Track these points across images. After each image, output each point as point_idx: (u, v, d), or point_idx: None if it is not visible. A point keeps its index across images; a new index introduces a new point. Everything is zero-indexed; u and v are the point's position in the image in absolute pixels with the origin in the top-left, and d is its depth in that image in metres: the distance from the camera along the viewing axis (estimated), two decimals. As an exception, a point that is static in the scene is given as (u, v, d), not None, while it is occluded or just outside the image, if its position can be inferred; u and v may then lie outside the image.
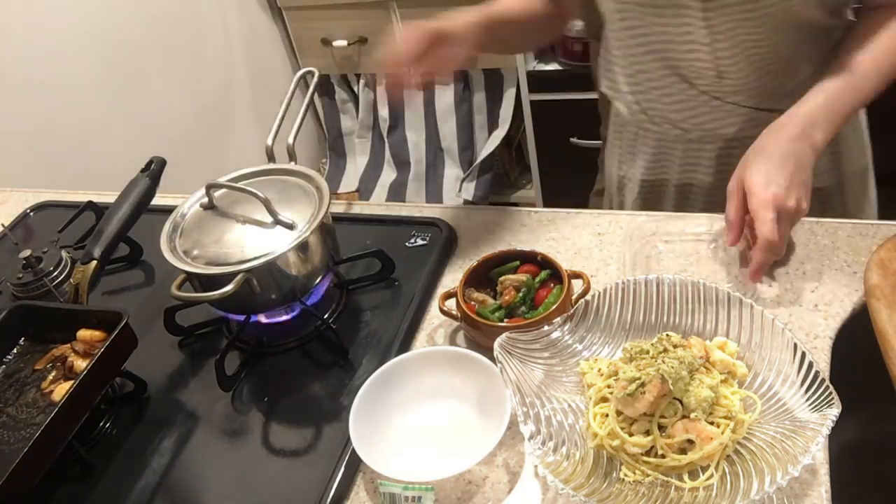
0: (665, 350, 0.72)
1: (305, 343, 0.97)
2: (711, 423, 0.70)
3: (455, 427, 0.82)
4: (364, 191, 2.73)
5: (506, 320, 0.87)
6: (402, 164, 2.69)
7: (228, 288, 0.85)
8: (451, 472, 0.74)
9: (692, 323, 0.80)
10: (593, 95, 1.23)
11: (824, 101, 0.88)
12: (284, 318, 0.98)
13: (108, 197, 1.12)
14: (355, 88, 2.67)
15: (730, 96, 1.02)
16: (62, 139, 1.84)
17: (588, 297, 0.82)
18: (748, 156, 0.87)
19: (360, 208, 1.19)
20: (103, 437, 0.90)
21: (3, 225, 1.28)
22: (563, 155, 2.23)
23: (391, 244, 1.05)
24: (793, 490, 0.69)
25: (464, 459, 0.74)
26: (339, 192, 2.78)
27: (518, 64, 2.22)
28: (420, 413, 0.83)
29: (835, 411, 0.66)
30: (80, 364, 0.89)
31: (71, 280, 0.97)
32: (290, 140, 1.04)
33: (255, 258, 0.88)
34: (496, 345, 0.76)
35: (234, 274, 0.87)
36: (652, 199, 1.18)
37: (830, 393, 0.68)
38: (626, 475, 0.70)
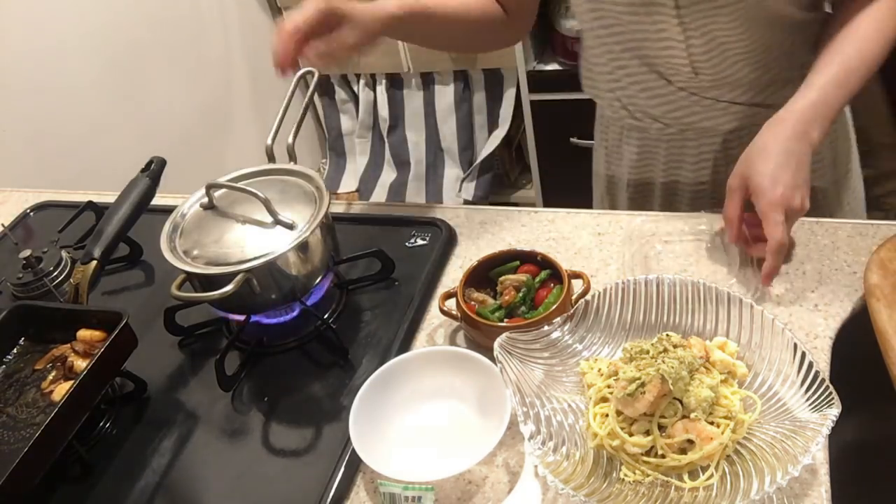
0: (665, 350, 0.72)
1: (305, 343, 0.97)
2: (711, 423, 0.70)
3: (455, 427, 0.82)
4: (364, 191, 2.73)
5: (506, 320, 0.87)
6: (402, 164, 2.69)
7: (228, 288, 0.85)
8: (451, 472, 0.74)
9: (692, 323, 0.80)
10: (593, 96, 1.23)
11: (818, 97, 0.88)
12: (284, 318, 0.98)
13: (108, 197, 1.12)
14: (355, 88, 2.67)
15: (707, 91, 1.02)
16: (62, 139, 1.84)
17: (588, 297, 0.82)
18: (750, 154, 0.87)
19: (360, 208, 1.19)
20: (103, 437, 0.90)
21: (3, 225, 1.28)
22: (563, 155, 2.22)
23: (391, 244, 1.05)
24: (793, 490, 0.69)
25: (464, 459, 0.74)
26: (339, 192, 2.78)
27: (518, 64, 2.22)
28: (420, 413, 0.83)
29: (835, 411, 0.66)
30: (80, 364, 0.89)
31: (71, 280, 0.97)
32: (290, 140, 1.04)
33: (255, 258, 0.88)
34: (496, 345, 0.76)
35: (234, 274, 0.87)
36: (639, 198, 1.19)
37: (830, 393, 0.68)
38: (626, 475, 0.70)
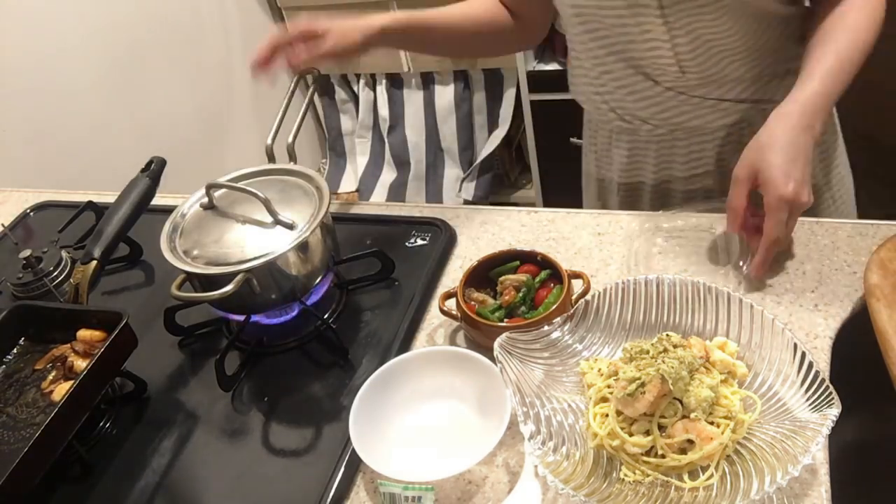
0: (665, 350, 0.72)
1: (305, 343, 0.97)
2: (711, 423, 0.70)
3: (455, 427, 0.82)
4: (364, 191, 2.73)
5: (506, 320, 0.87)
6: (402, 164, 2.69)
7: (228, 288, 0.85)
8: (451, 472, 0.74)
9: (692, 323, 0.80)
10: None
11: (819, 88, 0.87)
12: (284, 318, 0.98)
13: (108, 197, 1.12)
14: (355, 88, 2.67)
15: (694, 90, 1.02)
16: (62, 139, 1.84)
17: (588, 297, 0.82)
18: (760, 145, 0.86)
19: (360, 208, 1.19)
20: (103, 437, 0.90)
21: (3, 225, 1.28)
22: (563, 155, 2.21)
23: (391, 244, 1.05)
24: (793, 490, 0.69)
25: (464, 459, 0.74)
26: (339, 192, 2.78)
27: (518, 64, 2.22)
28: (420, 413, 0.83)
29: (835, 411, 0.66)
30: (80, 364, 0.89)
31: (71, 280, 0.97)
32: (290, 140, 1.04)
33: (255, 258, 0.88)
34: (496, 345, 0.76)
35: (234, 274, 0.87)
36: (630, 201, 1.19)
37: (830, 393, 0.68)
38: (626, 475, 0.70)
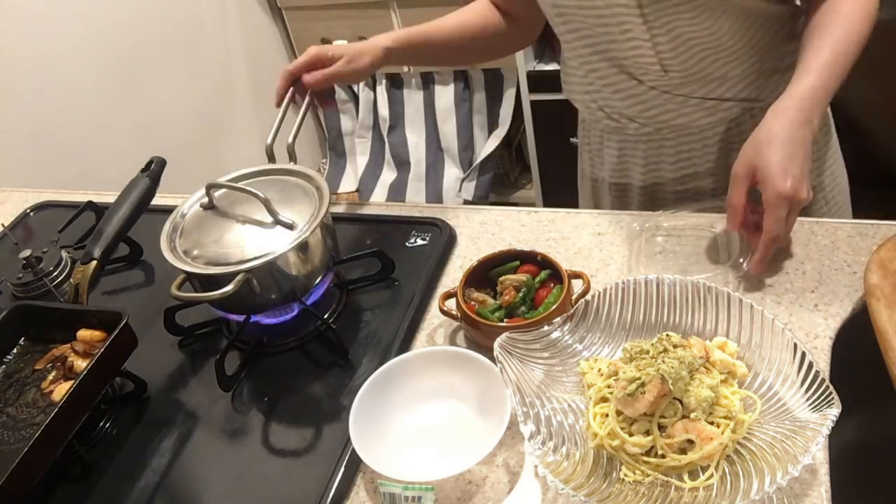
0: (665, 350, 0.72)
1: (305, 343, 0.97)
2: (711, 423, 0.70)
3: (455, 427, 0.82)
4: (364, 191, 2.73)
5: (506, 320, 0.87)
6: (402, 164, 2.69)
7: (228, 288, 0.85)
8: (451, 472, 0.74)
9: (692, 323, 0.80)
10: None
11: (816, 82, 0.87)
12: (284, 318, 0.98)
13: (108, 197, 1.12)
14: (355, 88, 2.67)
15: (678, 89, 1.02)
16: (62, 139, 1.84)
17: (588, 297, 0.82)
18: (758, 142, 0.86)
19: (360, 208, 1.19)
20: (103, 437, 0.90)
21: (3, 225, 1.28)
22: (563, 155, 2.21)
23: (391, 244, 1.05)
24: (793, 490, 0.69)
25: (464, 459, 0.74)
26: (339, 192, 2.78)
27: (518, 64, 2.22)
28: (420, 413, 0.83)
29: (835, 411, 0.66)
30: (80, 364, 0.89)
31: (71, 280, 0.97)
32: (291, 140, 1.04)
33: (255, 258, 0.88)
34: (496, 345, 0.76)
35: (234, 274, 0.87)
36: (621, 200, 1.19)
37: (830, 393, 0.68)
38: (626, 475, 0.70)
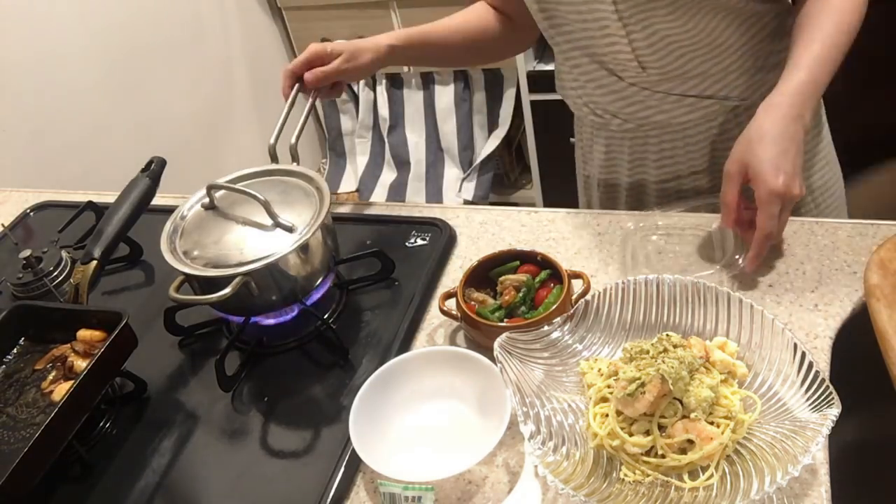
0: (665, 350, 0.72)
1: (305, 343, 0.97)
2: (711, 423, 0.70)
3: (455, 427, 0.82)
4: (364, 191, 2.73)
5: (506, 320, 0.87)
6: (402, 164, 2.69)
7: (226, 291, 0.85)
8: (451, 472, 0.74)
9: (692, 323, 0.80)
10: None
11: (807, 76, 0.87)
12: (284, 318, 0.98)
13: (108, 197, 1.12)
14: (355, 88, 2.67)
15: (657, 86, 1.02)
16: (62, 139, 1.84)
17: (588, 297, 0.82)
18: (750, 138, 0.86)
19: (360, 208, 1.19)
20: (103, 437, 0.90)
21: (3, 225, 1.28)
22: (563, 155, 2.22)
23: (391, 244, 1.05)
24: (793, 490, 0.69)
25: (464, 459, 0.74)
26: (339, 192, 2.78)
27: (518, 64, 2.22)
28: (420, 413, 0.83)
29: (835, 411, 0.66)
30: (80, 364, 0.89)
31: (71, 280, 0.97)
32: (293, 140, 1.04)
33: (253, 261, 0.88)
34: (496, 345, 0.76)
35: (232, 277, 0.86)
36: (609, 198, 1.20)
37: (830, 393, 0.68)
38: (626, 475, 0.70)
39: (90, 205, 1.22)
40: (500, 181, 2.69)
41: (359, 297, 1.02)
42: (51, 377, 0.90)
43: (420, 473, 0.74)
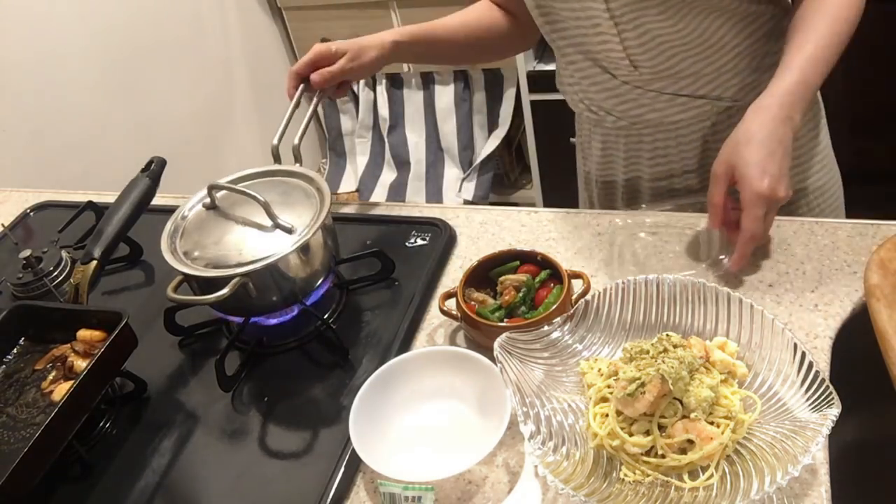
0: (665, 350, 0.72)
1: (305, 343, 0.97)
2: (711, 423, 0.70)
3: (455, 427, 0.82)
4: (364, 191, 2.73)
5: (506, 320, 0.87)
6: (402, 164, 2.69)
7: (223, 292, 0.85)
8: (451, 472, 0.74)
9: (692, 323, 0.80)
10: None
11: (798, 78, 0.86)
12: (284, 318, 0.98)
13: (108, 197, 1.12)
14: (355, 88, 2.67)
15: (650, 84, 1.02)
16: (62, 139, 1.84)
17: (588, 297, 0.82)
18: (737, 140, 0.86)
19: (360, 208, 1.19)
20: (103, 437, 0.90)
21: (3, 225, 1.28)
22: (563, 155, 2.22)
23: (391, 244, 1.05)
24: (793, 490, 0.69)
25: (464, 459, 0.74)
26: (339, 192, 2.78)
27: (518, 64, 2.22)
28: (420, 413, 0.83)
29: (835, 411, 0.66)
30: (80, 364, 0.89)
31: (71, 280, 0.97)
32: (297, 141, 1.04)
33: (251, 262, 0.88)
34: (496, 345, 0.76)
35: (230, 278, 0.86)
36: (608, 196, 1.20)
37: (830, 393, 0.68)
38: (626, 475, 0.70)
39: (90, 205, 1.22)
40: (500, 181, 2.69)
41: (359, 297, 1.02)
42: (51, 377, 0.90)
43: (420, 473, 0.74)
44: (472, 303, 0.90)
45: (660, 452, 0.70)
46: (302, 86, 1.06)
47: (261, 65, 2.52)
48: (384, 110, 2.62)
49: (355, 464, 0.79)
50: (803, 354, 0.71)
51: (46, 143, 1.80)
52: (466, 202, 2.58)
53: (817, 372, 0.70)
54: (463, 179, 2.60)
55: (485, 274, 0.93)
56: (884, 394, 0.71)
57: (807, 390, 0.70)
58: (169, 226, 0.95)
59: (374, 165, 2.75)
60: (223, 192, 0.98)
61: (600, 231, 1.03)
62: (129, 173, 1.10)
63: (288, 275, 0.92)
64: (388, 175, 2.72)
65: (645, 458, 0.70)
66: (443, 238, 1.06)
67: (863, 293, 0.81)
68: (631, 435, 0.70)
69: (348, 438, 0.78)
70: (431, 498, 0.73)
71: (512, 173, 2.69)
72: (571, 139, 1.28)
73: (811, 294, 0.87)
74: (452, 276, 1.01)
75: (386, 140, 2.68)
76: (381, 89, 2.60)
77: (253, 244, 0.90)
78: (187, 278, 0.91)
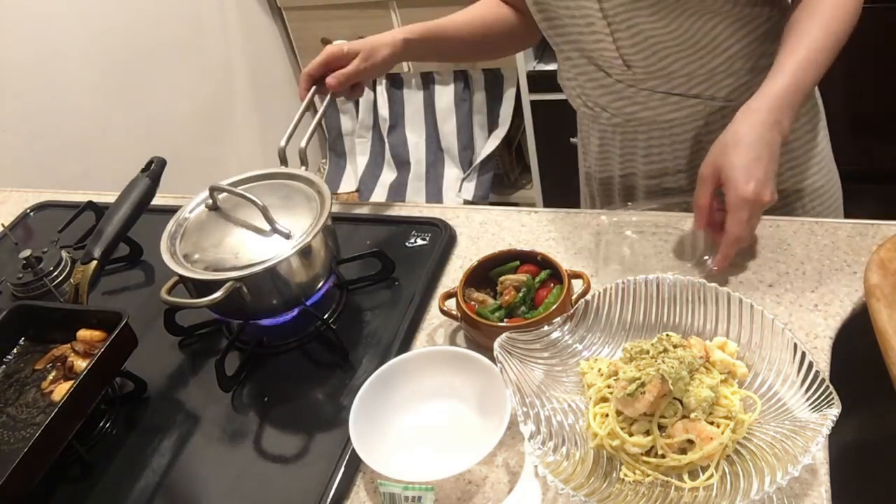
0: (665, 350, 0.72)
1: (305, 343, 0.97)
2: (711, 423, 0.70)
3: (455, 427, 0.82)
4: (364, 191, 2.73)
5: (506, 320, 0.87)
6: (402, 164, 2.69)
7: (216, 296, 0.85)
8: (451, 472, 0.74)
9: (692, 323, 0.80)
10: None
11: (789, 82, 0.86)
12: (284, 318, 0.98)
13: (108, 197, 1.12)
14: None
15: (642, 83, 1.02)
16: (62, 139, 1.84)
17: (588, 297, 0.82)
18: (725, 142, 0.86)
19: (360, 208, 1.19)
20: (103, 437, 0.90)
21: (3, 225, 1.28)
22: (563, 155, 2.22)
23: (391, 244, 1.05)
24: (793, 490, 0.69)
25: (464, 459, 0.74)
26: (339, 192, 2.78)
27: (518, 64, 2.22)
28: (420, 413, 0.83)
29: (835, 411, 0.66)
30: (80, 364, 0.89)
31: (71, 280, 0.97)
32: (303, 144, 1.03)
33: (244, 267, 0.87)
34: (496, 345, 0.76)
35: (223, 281, 0.86)
36: (606, 194, 1.20)
37: (830, 393, 0.68)
38: (626, 475, 0.70)
39: (90, 205, 1.22)
40: (500, 181, 2.69)
41: (359, 297, 1.02)
42: (51, 377, 0.90)
43: (420, 473, 0.74)
44: (472, 303, 0.90)
45: (660, 452, 0.70)
46: (314, 87, 1.06)
47: (261, 65, 2.52)
48: (384, 110, 2.62)
49: (355, 464, 0.79)
50: (803, 354, 0.71)
51: (46, 143, 1.80)
52: (466, 202, 2.57)
53: (817, 372, 0.70)
54: (463, 179, 2.60)
55: (485, 274, 0.93)
56: (884, 394, 0.71)
57: (807, 390, 0.70)
58: (170, 226, 0.95)
59: (374, 165, 2.74)
60: (224, 193, 0.97)
61: (601, 231, 1.03)
62: (129, 173, 1.10)
63: (285, 279, 0.91)
64: (388, 175, 2.72)
65: (645, 458, 0.70)
66: (443, 238, 1.06)
67: (863, 293, 0.81)
68: (631, 435, 0.70)
69: (348, 438, 0.78)
70: (431, 498, 0.73)
71: (512, 173, 2.69)
72: (571, 139, 1.28)
73: (811, 294, 0.87)
74: (452, 276, 1.01)
75: (386, 140, 2.68)
76: (381, 89, 2.60)
77: (250, 248, 0.90)
78: (183, 280, 0.91)
